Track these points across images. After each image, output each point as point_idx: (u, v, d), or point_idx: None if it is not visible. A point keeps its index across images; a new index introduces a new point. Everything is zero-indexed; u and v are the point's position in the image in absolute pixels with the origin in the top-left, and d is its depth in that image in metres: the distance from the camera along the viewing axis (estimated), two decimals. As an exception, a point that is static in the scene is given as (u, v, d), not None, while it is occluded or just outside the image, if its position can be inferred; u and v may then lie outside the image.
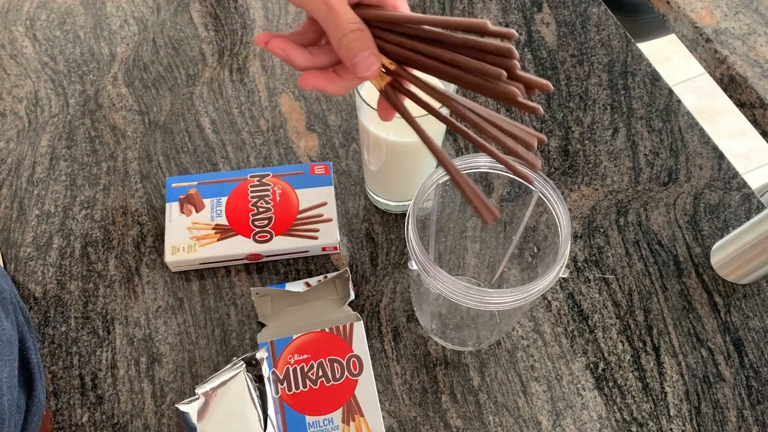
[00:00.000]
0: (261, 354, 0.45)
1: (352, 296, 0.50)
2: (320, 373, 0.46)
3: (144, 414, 0.47)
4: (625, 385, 0.48)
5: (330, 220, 0.52)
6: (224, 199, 0.53)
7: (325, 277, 0.50)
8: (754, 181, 1.35)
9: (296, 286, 0.50)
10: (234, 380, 0.43)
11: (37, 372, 0.43)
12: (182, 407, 0.43)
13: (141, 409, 0.47)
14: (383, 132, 0.45)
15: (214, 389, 0.43)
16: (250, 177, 0.54)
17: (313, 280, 0.50)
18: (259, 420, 0.43)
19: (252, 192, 0.54)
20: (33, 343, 0.44)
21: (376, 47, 0.32)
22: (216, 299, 0.51)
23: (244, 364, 0.44)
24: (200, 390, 0.43)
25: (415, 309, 0.50)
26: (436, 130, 0.46)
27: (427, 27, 0.31)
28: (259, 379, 0.45)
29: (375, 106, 0.42)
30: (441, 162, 0.32)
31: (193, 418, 0.42)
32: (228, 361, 0.49)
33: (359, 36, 0.31)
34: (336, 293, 0.51)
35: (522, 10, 0.67)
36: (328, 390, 0.45)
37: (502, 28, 0.29)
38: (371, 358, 0.47)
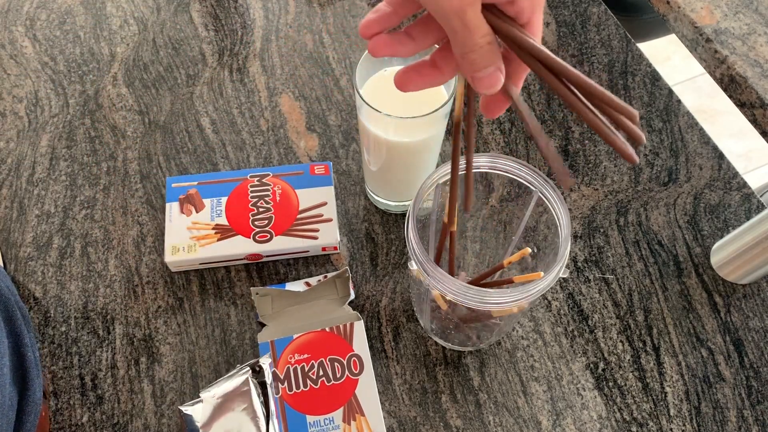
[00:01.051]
0: (264, 360, 0.45)
1: (352, 296, 0.50)
2: (321, 373, 0.46)
3: (144, 414, 0.47)
4: (625, 385, 0.48)
5: (330, 220, 0.52)
6: (224, 199, 0.53)
7: (325, 276, 0.50)
8: (754, 181, 1.35)
9: (296, 286, 0.50)
10: (239, 387, 0.43)
11: (33, 370, 0.43)
12: (185, 409, 0.43)
13: (141, 409, 0.47)
14: (383, 132, 0.45)
15: (218, 395, 0.43)
16: (250, 177, 0.54)
17: (313, 280, 0.50)
18: (263, 426, 0.43)
19: (252, 192, 0.54)
20: (31, 341, 0.44)
21: (502, 61, 0.28)
22: (216, 299, 0.51)
23: (250, 370, 0.44)
24: (204, 394, 0.43)
25: (415, 309, 0.50)
26: (437, 130, 0.46)
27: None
28: (262, 385, 0.45)
29: (375, 107, 0.42)
30: (522, 117, 0.29)
31: (196, 421, 0.42)
32: (228, 362, 0.49)
33: (487, 50, 0.27)
34: (336, 293, 0.51)
35: (522, 10, 0.67)
36: (328, 389, 0.45)
37: (637, 131, 0.26)
38: (371, 358, 0.48)
